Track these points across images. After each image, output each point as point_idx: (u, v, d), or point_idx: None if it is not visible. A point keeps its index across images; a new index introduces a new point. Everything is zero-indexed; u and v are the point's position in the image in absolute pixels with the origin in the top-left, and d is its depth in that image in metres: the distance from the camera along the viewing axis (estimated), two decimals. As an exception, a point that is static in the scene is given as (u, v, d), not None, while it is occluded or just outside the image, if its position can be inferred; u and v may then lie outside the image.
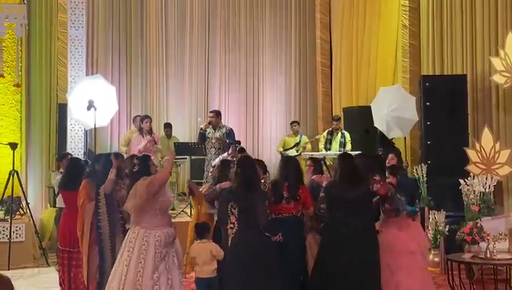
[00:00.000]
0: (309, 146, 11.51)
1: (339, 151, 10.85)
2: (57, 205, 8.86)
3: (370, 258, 5.51)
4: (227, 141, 9.89)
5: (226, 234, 5.45)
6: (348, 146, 11.06)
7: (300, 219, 5.93)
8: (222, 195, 5.68)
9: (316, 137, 11.77)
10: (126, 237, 5.42)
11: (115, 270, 5.34)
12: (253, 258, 5.26)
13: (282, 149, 11.50)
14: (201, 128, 10.41)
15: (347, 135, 11.19)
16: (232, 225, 5.36)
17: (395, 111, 9.71)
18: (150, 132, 9.98)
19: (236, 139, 10.66)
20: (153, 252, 5.24)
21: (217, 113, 10.51)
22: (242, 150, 9.48)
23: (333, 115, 12.29)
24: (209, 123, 10.33)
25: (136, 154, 6.16)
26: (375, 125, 10.15)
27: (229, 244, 5.38)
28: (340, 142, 11.10)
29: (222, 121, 10.88)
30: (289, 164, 6.13)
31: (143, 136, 9.85)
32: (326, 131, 11.54)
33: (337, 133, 11.21)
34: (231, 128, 10.56)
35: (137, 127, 10.50)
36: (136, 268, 5.17)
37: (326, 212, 5.70)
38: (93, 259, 5.89)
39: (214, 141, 10.08)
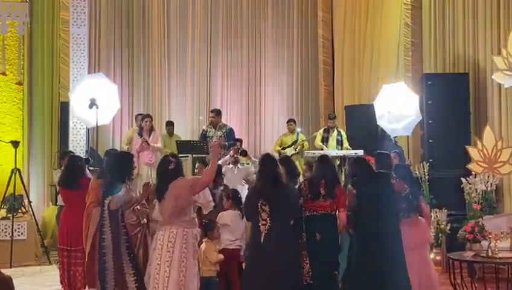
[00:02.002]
0: (306, 144, 11.49)
1: (337, 148, 10.89)
2: (58, 203, 8.89)
3: (400, 257, 5.65)
4: (227, 143, 9.96)
5: (256, 231, 5.53)
6: (345, 144, 11.06)
7: (335, 216, 6.04)
8: (249, 193, 5.79)
9: (314, 134, 11.75)
10: (161, 237, 5.25)
11: (153, 272, 5.23)
12: (282, 254, 5.42)
13: (279, 148, 11.48)
14: (203, 130, 10.58)
15: (343, 132, 11.22)
16: (264, 222, 5.48)
17: (398, 109, 9.69)
18: (151, 130, 10.01)
19: (236, 138, 10.73)
20: (192, 250, 5.30)
21: (218, 113, 10.64)
22: (244, 152, 9.50)
23: (329, 113, 12.29)
24: (210, 123, 10.42)
25: (173, 153, 5.97)
26: (377, 123, 10.13)
27: (262, 240, 5.46)
28: (337, 139, 11.09)
29: (224, 119, 10.96)
30: (327, 162, 6.28)
31: (140, 136, 9.87)
32: (322, 129, 11.52)
33: (333, 130, 11.21)
34: (231, 128, 10.64)
35: (139, 126, 10.53)
36: (179, 267, 5.16)
37: (358, 210, 5.85)
38: (94, 264, 5.73)
39: (214, 140, 10.13)
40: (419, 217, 6.12)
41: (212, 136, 10.31)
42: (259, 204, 5.51)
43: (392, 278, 5.52)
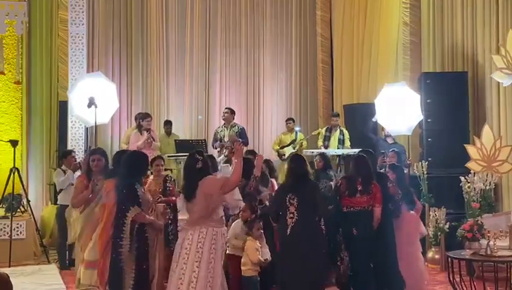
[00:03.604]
0: (305, 143, 11.50)
1: (338, 148, 10.90)
2: (58, 203, 8.90)
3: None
4: (240, 140, 10.05)
5: (283, 224, 5.80)
6: (347, 143, 11.07)
7: (371, 212, 6.32)
8: (278, 189, 6.13)
9: (313, 133, 11.75)
10: (190, 237, 5.19)
11: (178, 271, 5.19)
12: (308, 247, 5.70)
13: (278, 147, 11.50)
14: (216, 131, 10.92)
15: (346, 132, 11.20)
16: (291, 215, 5.77)
17: (399, 108, 9.68)
18: (148, 129, 10.07)
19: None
20: (221, 250, 5.30)
21: (232, 111, 10.92)
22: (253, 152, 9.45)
23: (333, 111, 12.30)
24: (223, 120, 10.78)
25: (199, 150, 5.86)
26: (378, 122, 10.13)
27: (288, 232, 5.75)
28: (339, 139, 11.10)
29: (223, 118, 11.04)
30: (363, 160, 6.52)
31: (141, 134, 9.95)
32: (324, 128, 11.52)
33: (336, 130, 11.20)
34: (243, 127, 10.85)
35: (137, 124, 10.57)
36: (207, 268, 5.14)
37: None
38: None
39: (226, 140, 10.29)
40: (411, 212, 6.71)
41: (224, 136, 10.45)
42: (287, 198, 5.81)
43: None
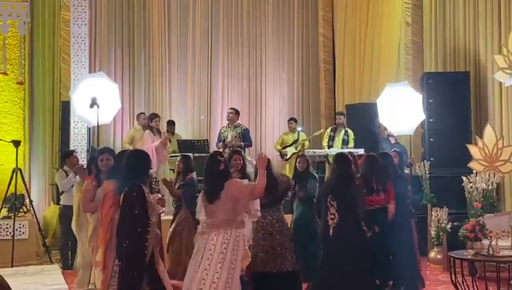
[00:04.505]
0: (307, 143, 11.48)
1: (342, 148, 10.88)
2: (60, 203, 8.91)
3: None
4: (242, 144, 10.14)
5: (325, 225, 5.89)
6: (351, 144, 11.04)
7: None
8: (321, 189, 6.20)
9: (315, 134, 11.75)
10: (214, 237, 5.16)
11: (200, 273, 5.14)
12: (350, 248, 5.75)
13: (280, 147, 11.49)
14: (220, 131, 10.89)
15: (350, 132, 11.14)
16: (332, 216, 5.84)
17: (401, 108, 9.68)
18: (158, 130, 10.13)
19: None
20: (242, 252, 5.30)
21: (237, 111, 10.86)
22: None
23: (337, 110, 12.29)
24: (227, 118, 10.71)
25: (218, 151, 5.70)
26: (380, 122, 10.12)
27: (330, 233, 5.83)
28: (343, 139, 11.06)
29: (225, 118, 11.05)
30: (375, 160, 6.62)
31: (154, 134, 9.99)
32: (329, 128, 11.49)
33: (341, 130, 11.15)
34: (247, 128, 10.82)
35: (142, 125, 10.60)
36: (229, 269, 5.13)
37: None
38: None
39: (229, 140, 10.32)
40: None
41: (227, 136, 10.45)
42: (328, 199, 5.88)
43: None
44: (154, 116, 10.33)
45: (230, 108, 11.15)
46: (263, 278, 6.18)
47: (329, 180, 6.17)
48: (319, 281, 6.00)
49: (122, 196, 5.11)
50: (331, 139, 11.16)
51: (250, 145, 10.71)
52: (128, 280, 4.96)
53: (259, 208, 6.10)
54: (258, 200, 5.79)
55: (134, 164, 5.26)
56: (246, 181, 5.54)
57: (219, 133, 10.95)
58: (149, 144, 9.80)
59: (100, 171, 6.19)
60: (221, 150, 10.40)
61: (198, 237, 5.38)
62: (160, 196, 5.48)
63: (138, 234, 4.97)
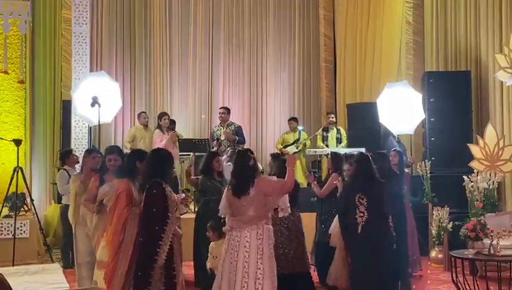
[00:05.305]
0: (308, 142, 11.51)
1: (336, 147, 10.93)
2: (61, 202, 8.90)
3: None
4: (237, 137, 10.22)
5: (353, 223, 5.89)
6: (344, 141, 11.15)
7: None
8: (346, 188, 6.28)
9: (316, 133, 11.77)
10: (247, 234, 5.21)
11: (241, 270, 5.17)
12: (379, 244, 5.84)
13: (281, 146, 11.51)
14: (212, 130, 10.97)
15: (342, 130, 11.30)
16: (361, 214, 5.88)
17: (401, 107, 9.68)
18: (170, 128, 10.34)
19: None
20: (273, 245, 5.40)
21: (228, 110, 10.98)
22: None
23: (327, 110, 12.33)
24: (220, 119, 10.78)
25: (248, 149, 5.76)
26: (380, 121, 10.12)
27: (359, 231, 5.86)
28: (337, 138, 11.21)
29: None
30: (365, 159, 6.60)
31: (163, 133, 10.06)
32: (321, 128, 11.56)
33: (332, 128, 11.27)
34: (240, 126, 10.85)
35: (143, 124, 10.65)
36: (269, 263, 5.23)
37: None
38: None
39: (222, 138, 10.35)
40: None
41: (220, 135, 10.51)
42: (356, 197, 5.91)
43: None
44: (162, 114, 10.44)
45: (221, 107, 11.25)
46: (289, 279, 6.27)
47: (354, 179, 6.18)
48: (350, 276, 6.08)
49: (144, 194, 5.08)
50: (325, 139, 11.27)
51: (244, 142, 10.75)
52: (140, 277, 4.94)
53: (288, 205, 6.17)
54: (287, 196, 5.87)
55: (156, 162, 5.23)
56: (274, 178, 5.63)
57: (211, 132, 11.02)
58: (157, 143, 9.83)
59: (105, 171, 6.14)
60: (215, 148, 10.41)
61: (231, 234, 5.38)
62: (183, 195, 5.44)
63: (154, 232, 4.94)
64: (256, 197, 5.23)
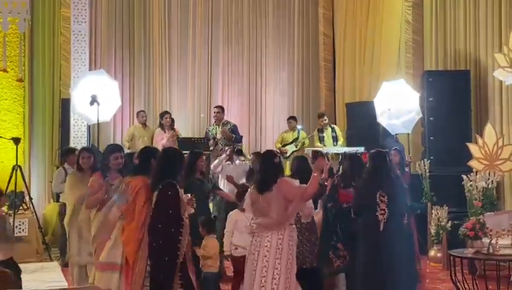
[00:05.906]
0: (307, 141, 11.51)
1: (333, 145, 10.95)
2: (60, 200, 8.90)
3: None
4: (233, 135, 10.20)
5: (373, 220, 5.90)
6: (340, 139, 11.15)
7: None
8: (365, 186, 6.15)
9: (312, 134, 11.77)
10: (268, 235, 5.28)
11: (260, 270, 5.25)
12: (401, 241, 5.89)
13: (280, 145, 11.51)
14: (207, 129, 10.98)
15: (337, 128, 11.35)
16: (382, 211, 5.89)
17: (398, 107, 9.68)
18: (171, 127, 10.24)
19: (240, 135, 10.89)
20: (295, 246, 5.46)
21: (222, 109, 10.97)
22: (240, 151, 9.47)
23: (318, 112, 12.30)
24: (215, 119, 10.77)
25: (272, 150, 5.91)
26: (378, 120, 10.13)
27: (381, 229, 5.88)
28: (332, 136, 11.22)
29: (225, 116, 11.09)
30: (357, 159, 6.78)
31: (165, 132, 10.07)
32: (316, 130, 11.55)
33: (326, 128, 11.30)
34: (235, 124, 10.82)
35: (141, 123, 10.64)
36: (286, 264, 5.29)
37: None
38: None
39: (219, 137, 10.34)
40: None
41: (216, 133, 10.49)
42: (377, 195, 5.91)
43: None
44: (164, 113, 10.49)
45: (216, 106, 11.24)
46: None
47: (372, 176, 6.11)
48: (366, 273, 5.98)
49: (156, 194, 4.99)
50: (322, 139, 11.27)
51: (240, 141, 10.75)
52: (160, 280, 4.88)
53: (312, 206, 6.18)
54: (310, 201, 5.90)
55: (168, 162, 5.16)
56: (297, 182, 5.57)
57: (206, 132, 10.97)
58: (158, 142, 9.84)
59: (107, 169, 6.06)
60: (212, 147, 10.40)
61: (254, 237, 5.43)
62: (189, 196, 5.38)
63: (172, 234, 4.89)
64: (276, 197, 5.26)
